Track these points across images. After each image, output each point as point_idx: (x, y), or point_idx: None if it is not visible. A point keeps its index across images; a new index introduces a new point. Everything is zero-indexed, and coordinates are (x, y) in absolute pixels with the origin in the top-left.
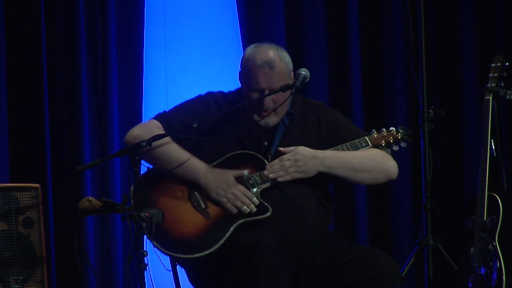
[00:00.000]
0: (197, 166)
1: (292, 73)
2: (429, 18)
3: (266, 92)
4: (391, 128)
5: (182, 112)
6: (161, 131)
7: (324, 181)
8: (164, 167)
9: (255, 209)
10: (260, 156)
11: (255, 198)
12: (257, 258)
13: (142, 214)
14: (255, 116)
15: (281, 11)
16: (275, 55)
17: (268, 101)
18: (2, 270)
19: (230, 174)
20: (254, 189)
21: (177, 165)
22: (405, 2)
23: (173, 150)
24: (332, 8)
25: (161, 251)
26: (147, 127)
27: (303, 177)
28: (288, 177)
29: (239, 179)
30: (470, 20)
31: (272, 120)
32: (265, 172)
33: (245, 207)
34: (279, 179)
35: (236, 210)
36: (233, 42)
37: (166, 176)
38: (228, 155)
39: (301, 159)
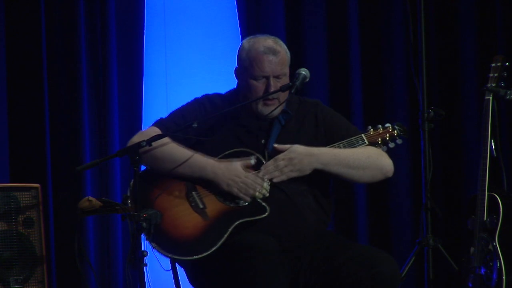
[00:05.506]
0: (203, 161)
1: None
2: (429, 18)
3: (271, 79)
4: (387, 125)
5: (179, 116)
6: None
7: (322, 180)
8: (167, 167)
9: (268, 194)
10: (257, 155)
11: (265, 183)
12: (256, 260)
13: (140, 215)
14: (261, 108)
15: (281, 11)
16: (275, 43)
17: (275, 87)
18: (2, 270)
19: (237, 164)
20: None
21: (181, 163)
22: (405, 2)
23: (176, 149)
24: (332, 8)
25: (159, 252)
26: (147, 133)
27: (298, 175)
28: (283, 177)
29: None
30: (470, 20)
31: (277, 109)
32: (260, 174)
33: (257, 193)
34: (275, 180)
35: (250, 199)
36: (233, 42)
37: (163, 177)
38: (226, 152)
39: (296, 157)
